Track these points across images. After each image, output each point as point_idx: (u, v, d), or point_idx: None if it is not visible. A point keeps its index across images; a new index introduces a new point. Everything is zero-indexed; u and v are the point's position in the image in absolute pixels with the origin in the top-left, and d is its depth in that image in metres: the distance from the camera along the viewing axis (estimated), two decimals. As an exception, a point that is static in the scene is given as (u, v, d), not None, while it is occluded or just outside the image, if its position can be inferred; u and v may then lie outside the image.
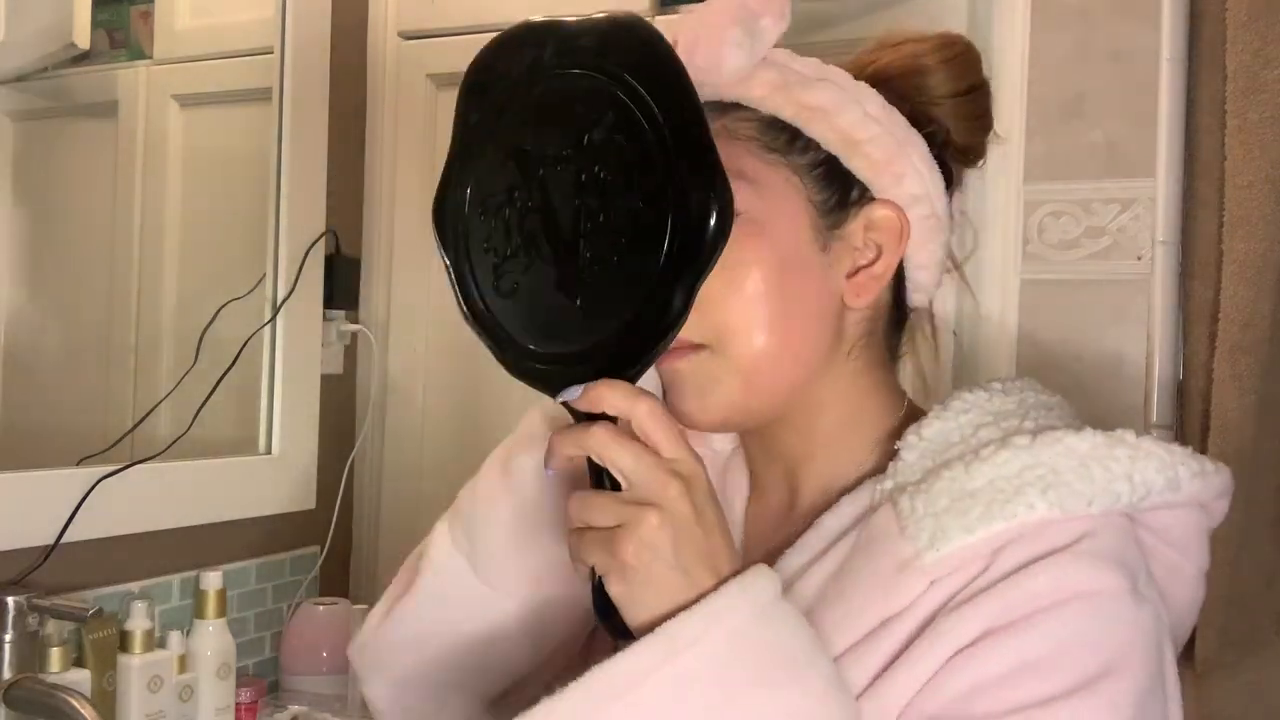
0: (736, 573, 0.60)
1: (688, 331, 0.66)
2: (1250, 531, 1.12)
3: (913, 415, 0.73)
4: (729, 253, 0.63)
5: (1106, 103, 1.20)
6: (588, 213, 0.62)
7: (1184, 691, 1.17)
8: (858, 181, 0.71)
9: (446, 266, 0.69)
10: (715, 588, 0.58)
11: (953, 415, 0.70)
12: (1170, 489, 0.64)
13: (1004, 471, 0.64)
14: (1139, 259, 1.18)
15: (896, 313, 0.76)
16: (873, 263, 0.71)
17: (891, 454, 0.70)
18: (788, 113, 0.70)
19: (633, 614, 0.59)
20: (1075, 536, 0.62)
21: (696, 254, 0.59)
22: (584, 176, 0.62)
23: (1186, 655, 1.13)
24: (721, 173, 0.59)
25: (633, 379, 0.61)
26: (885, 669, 0.62)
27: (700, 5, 0.70)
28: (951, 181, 0.76)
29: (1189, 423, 1.16)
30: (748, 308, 0.68)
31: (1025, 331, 1.23)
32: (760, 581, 0.60)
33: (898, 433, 0.71)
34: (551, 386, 0.65)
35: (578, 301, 0.63)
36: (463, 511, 0.79)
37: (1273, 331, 1.10)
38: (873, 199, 0.72)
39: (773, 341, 0.68)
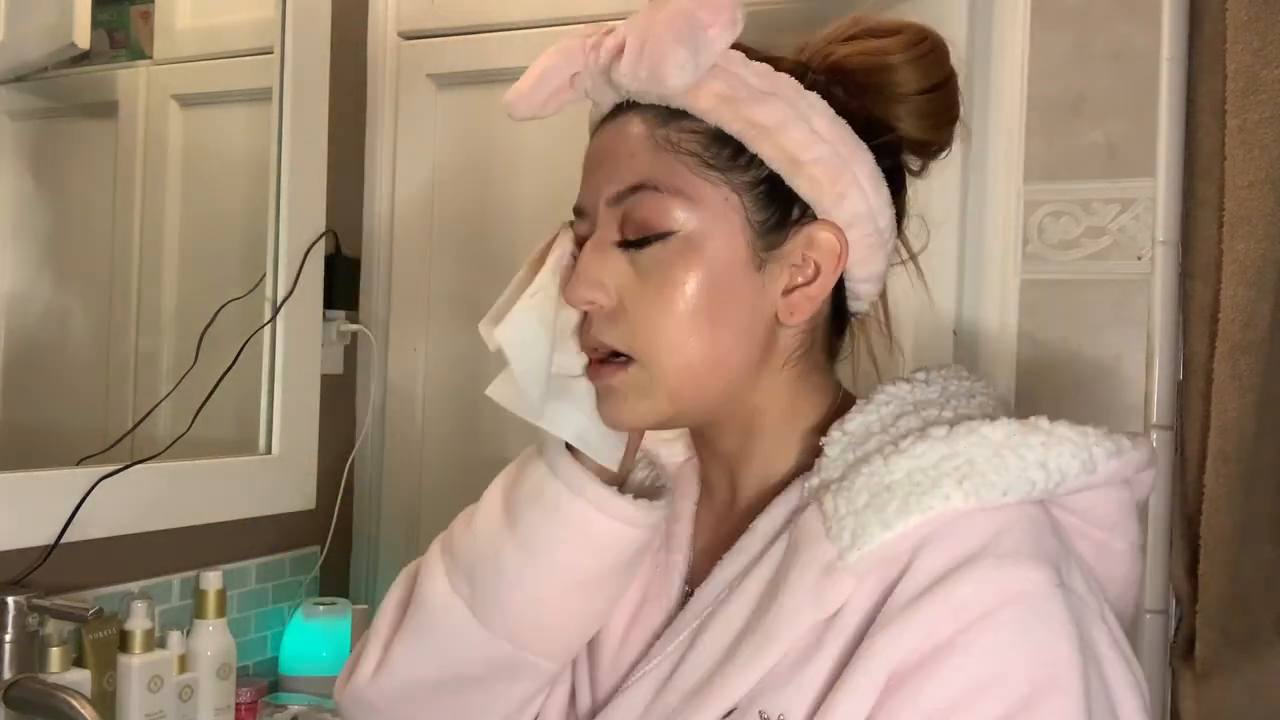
0: None
1: (615, 341, 0.70)
2: (1250, 531, 1.12)
3: (843, 409, 0.73)
4: (662, 270, 0.67)
5: (1106, 103, 1.20)
6: None
7: (1184, 691, 1.17)
8: (799, 200, 0.70)
9: None
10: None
11: (875, 407, 0.71)
12: (1086, 471, 0.64)
13: (921, 463, 0.64)
14: (1139, 259, 1.18)
15: (837, 320, 0.76)
16: (809, 282, 0.71)
17: (817, 450, 0.71)
18: (734, 128, 0.69)
19: None
20: (991, 533, 0.61)
21: None
22: None
23: (1186, 655, 1.13)
24: None
25: None
26: (826, 693, 0.62)
27: (651, 6, 0.69)
28: (904, 186, 0.76)
29: (1189, 423, 1.16)
30: (676, 325, 0.69)
31: (1025, 331, 1.23)
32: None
33: (825, 428, 0.72)
34: None
35: None
36: (461, 556, 0.78)
37: (1273, 331, 1.10)
38: (813, 219, 0.71)
39: (699, 359, 0.69)
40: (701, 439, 0.79)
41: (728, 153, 0.70)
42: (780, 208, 0.70)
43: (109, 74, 1.38)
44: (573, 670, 0.79)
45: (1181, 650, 1.14)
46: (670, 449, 0.84)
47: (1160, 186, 1.17)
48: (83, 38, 1.27)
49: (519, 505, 0.75)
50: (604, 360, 0.71)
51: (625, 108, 0.73)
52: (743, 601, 0.68)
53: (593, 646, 0.78)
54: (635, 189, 0.70)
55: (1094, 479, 0.65)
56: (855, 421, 0.70)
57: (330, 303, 1.50)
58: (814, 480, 0.69)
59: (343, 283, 1.53)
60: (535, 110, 0.74)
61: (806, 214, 0.71)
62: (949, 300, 1.25)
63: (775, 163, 0.69)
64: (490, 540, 0.75)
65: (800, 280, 0.71)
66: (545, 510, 0.72)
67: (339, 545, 1.54)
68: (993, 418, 0.66)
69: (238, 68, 1.47)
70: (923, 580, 0.61)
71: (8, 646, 1.00)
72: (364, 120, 1.62)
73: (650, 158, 0.70)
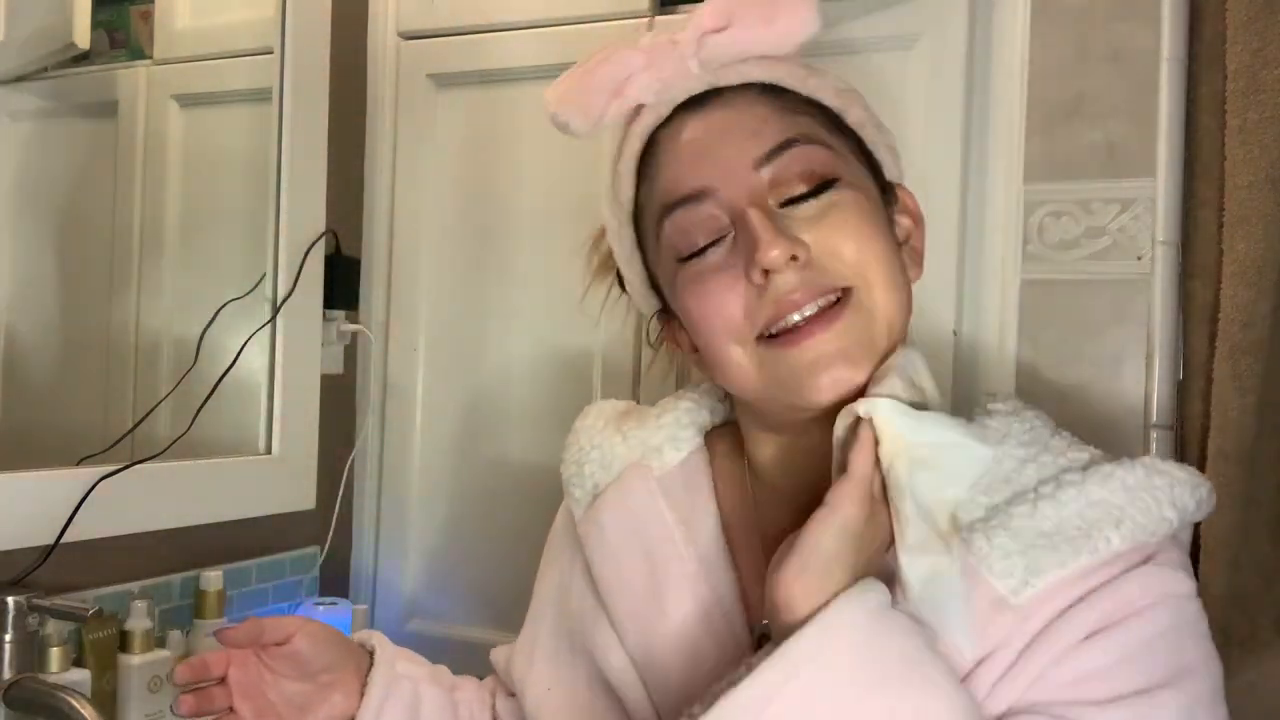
0: (845, 587, 0.61)
1: (834, 277, 0.68)
2: (1250, 531, 1.12)
3: None
4: (841, 211, 0.68)
5: (1106, 103, 1.20)
6: None
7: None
8: (878, 165, 0.75)
9: None
10: (827, 603, 0.60)
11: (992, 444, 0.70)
12: (1198, 509, 0.69)
13: (1067, 512, 0.66)
14: (1139, 259, 1.18)
15: None
16: (909, 239, 0.75)
17: None
18: (829, 98, 0.73)
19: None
20: (1147, 556, 0.66)
21: None
22: None
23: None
24: None
25: None
26: (988, 695, 0.64)
27: None
28: None
29: (1189, 423, 1.16)
30: (879, 253, 0.69)
31: (1025, 331, 1.23)
32: (870, 591, 0.61)
33: None
34: None
35: None
36: None
37: (1273, 331, 1.10)
38: (895, 184, 0.75)
39: (898, 290, 0.70)
40: (786, 437, 0.76)
41: (831, 120, 0.73)
42: (876, 171, 0.75)
43: (109, 74, 1.38)
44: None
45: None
46: (661, 457, 0.81)
47: (1160, 186, 1.17)
48: (83, 38, 1.27)
49: None
50: (819, 317, 0.68)
51: (707, 98, 0.72)
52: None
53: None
54: (787, 144, 0.70)
55: (1198, 515, 0.69)
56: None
57: (330, 303, 1.50)
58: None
59: (343, 283, 1.53)
60: (595, 125, 0.74)
61: (884, 178, 0.75)
62: (949, 300, 1.25)
63: (862, 129, 0.74)
64: None
65: (903, 238, 0.74)
66: None
67: (339, 545, 1.54)
68: (1114, 460, 0.69)
69: (238, 68, 1.47)
70: (1086, 593, 0.65)
71: (8, 646, 1.00)
72: (364, 120, 1.62)
73: (785, 120, 0.71)
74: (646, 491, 0.80)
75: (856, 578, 0.62)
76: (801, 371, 0.68)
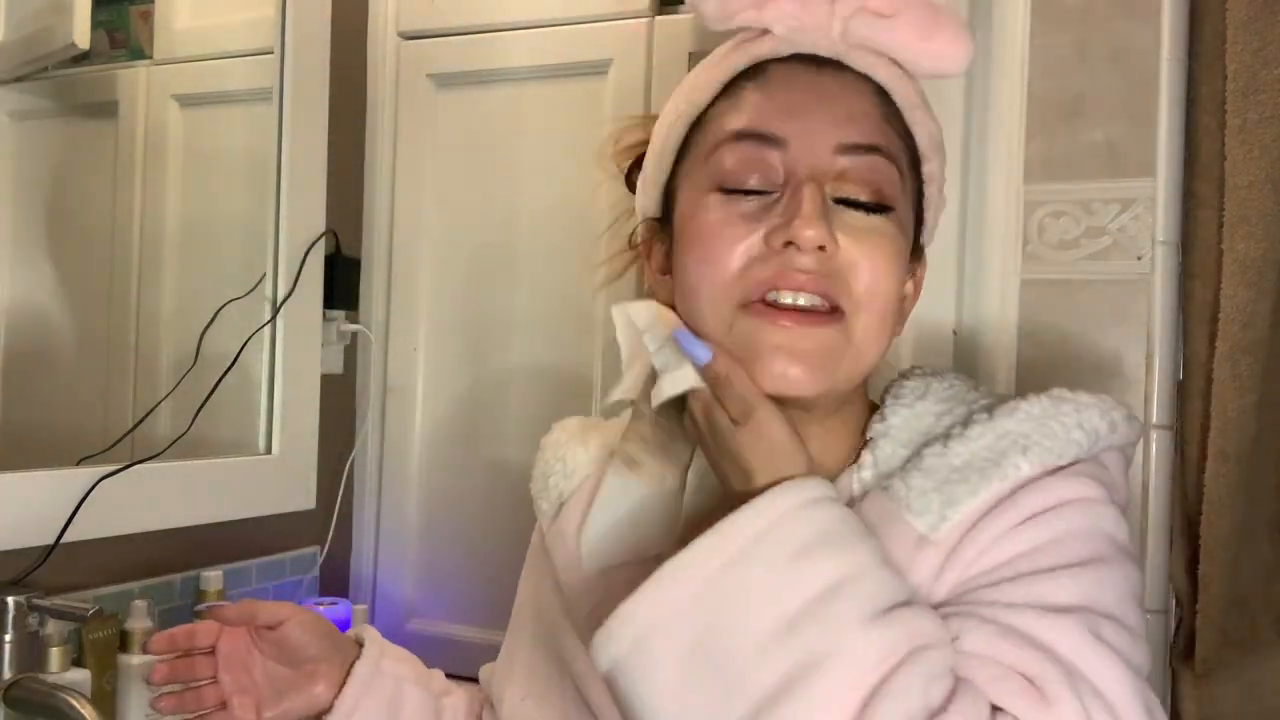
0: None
1: (836, 293, 0.68)
2: (1250, 531, 1.12)
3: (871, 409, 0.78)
4: (880, 240, 0.68)
5: (1106, 103, 1.20)
6: None
7: (1184, 691, 1.17)
8: (923, 223, 0.76)
9: None
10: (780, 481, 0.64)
11: (907, 405, 0.74)
12: (1110, 431, 0.70)
13: (978, 445, 0.69)
14: (1139, 259, 1.18)
15: None
16: (904, 299, 0.75)
17: (859, 445, 0.74)
18: (922, 139, 0.73)
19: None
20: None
21: None
22: None
23: (1186, 655, 1.13)
24: None
25: None
26: None
27: None
28: None
29: (1189, 423, 1.16)
30: (887, 297, 0.69)
31: (1025, 331, 1.23)
32: (813, 480, 0.64)
33: (861, 425, 0.76)
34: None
35: None
36: None
37: (1273, 331, 1.10)
38: (921, 245, 0.77)
39: (883, 335, 0.70)
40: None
41: (910, 156, 0.73)
42: (917, 227, 0.75)
43: (109, 74, 1.38)
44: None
45: (1181, 650, 1.14)
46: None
47: (1160, 186, 1.17)
48: (83, 38, 1.27)
49: None
50: (806, 312, 0.68)
51: (827, 63, 0.71)
52: None
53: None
54: (874, 149, 0.69)
55: (1114, 439, 0.71)
56: (900, 417, 0.73)
57: (330, 303, 1.50)
58: (865, 473, 0.72)
59: (343, 283, 1.53)
60: (723, 21, 0.71)
61: (917, 239, 0.76)
62: (949, 300, 1.25)
63: (930, 184, 0.74)
64: None
65: (904, 293, 0.75)
66: None
67: (339, 545, 1.54)
68: (1021, 396, 0.71)
69: (238, 68, 1.47)
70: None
71: (8, 646, 1.00)
72: (364, 120, 1.62)
73: (881, 126, 0.70)
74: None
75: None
76: (764, 349, 0.67)
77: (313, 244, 1.44)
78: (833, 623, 0.59)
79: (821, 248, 0.66)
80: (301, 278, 1.42)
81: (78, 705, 0.94)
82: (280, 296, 1.40)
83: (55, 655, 1.02)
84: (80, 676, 1.04)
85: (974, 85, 1.25)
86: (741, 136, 0.70)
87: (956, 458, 0.68)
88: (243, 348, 1.36)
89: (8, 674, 1.00)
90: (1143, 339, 1.18)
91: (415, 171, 1.61)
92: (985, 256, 1.25)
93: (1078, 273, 1.21)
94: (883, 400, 0.76)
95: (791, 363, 0.67)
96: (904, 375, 0.77)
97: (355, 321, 1.58)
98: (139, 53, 1.39)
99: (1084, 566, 0.65)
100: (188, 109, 1.42)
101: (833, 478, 0.72)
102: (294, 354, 1.42)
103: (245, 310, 1.39)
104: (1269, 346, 1.10)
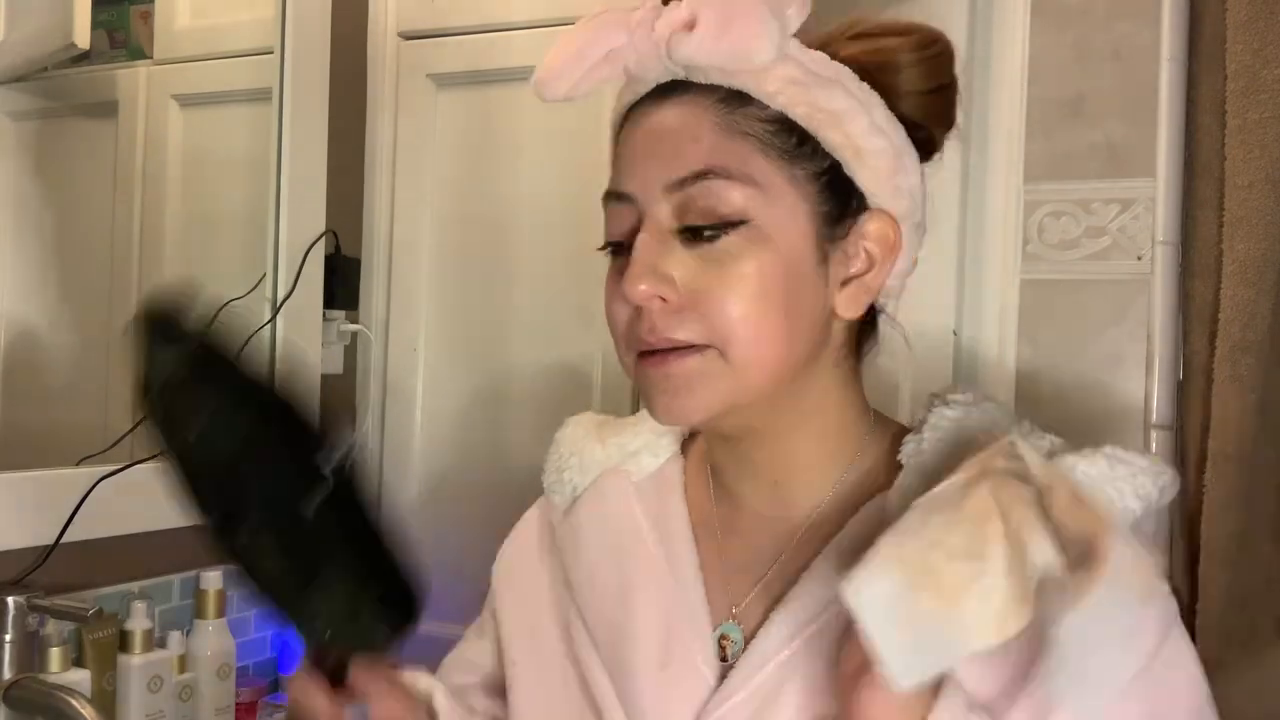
0: None
1: (689, 334, 0.66)
2: (1250, 531, 1.12)
3: (881, 423, 0.75)
4: (734, 260, 0.65)
5: (1106, 103, 1.20)
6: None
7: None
8: (858, 191, 0.70)
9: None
10: None
11: (931, 428, 0.71)
12: (1160, 497, 0.67)
13: None
14: (1139, 259, 1.18)
15: (866, 317, 0.75)
16: (864, 273, 0.71)
17: (890, 469, 0.71)
18: (800, 112, 0.69)
19: None
20: None
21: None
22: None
23: (1186, 655, 1.13)
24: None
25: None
26: None
27: None
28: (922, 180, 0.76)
29: (1189, 423, 1.16)
30: (755, 315, 0.66)
31: (1025, 331, 1.23)
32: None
33: (865, 442, 0.73)
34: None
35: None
36: None
37: (1273, 331, 1.10)
38: (868, 209, 0.71)
39: (774, 352, 0.67)
40: (732, 446, 0.76)
41: (793, 140, 0.69)
42: (841, 198, 0.70)
43: (109, 74, 1.38)
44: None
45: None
46: (638, 463, 0.81)
47: (1160, 186, 1.17)
48: (83, 38, 1.27)
49: None
50: (667, 352, 0.67)
51: (675, 88, 0.70)
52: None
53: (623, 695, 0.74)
54: (702, 175, 0.67)
55: (1161, 502, 0.68)
56: (929, 441, 0.70)
57: (330, 303, 1.50)
58: (893, 497, 0.69)
59: (343, 283, 1.53)
60: (569, 91, 0.71)
61: (863, 204, 0.71)
62: (949, 300, 1.25)
63: (840, 151, 0.69)
64: None
65: (854, 271, 0.70)
66: None
67: (339, 545, 1.54)
68: (1074, 450, 0.67)
69: (238, 68, 1.47)
70: None
71: (8, 646, 1.00)
72: (364, 120, 1.62)
73: (716, 142, 0.68)
74: (623, 495, 0.80)
75: None
76: (650, 392, 0.69)
77: (313, 244, 1.44)
78: None
79: (662, 299, 0.67)
80: (301, 278, 1.42)
81: (78, 705, 0.94)
82: (280, 296, 1.40)
83: (55, 655, 1.02)
84: (80, 676, 1.04)
85: (974, 85, 1.25)
86: (608, 197, 0.72)
87: None
88: (242, 347, 1.36)
89: (8, 674, 1.00)
90: (1143, 339, 1.18)
91: (415, 172, 1.61)
92: (985, 256, 1.25)
93: (1078, 273, 1.21)
94: (919, 424, 0.73)
95: (668, 397, 0.68)
96: (940, 400, 0.73)
97: (355, 321, 1.58)
98: (139, 53, 1.39)
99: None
100: (188, 109, 1.42)
101: (853, 499, 0.71)
102: (294, 354, 1.42)
103: (245, 310, 1.39)
104: (1269, 346, 1.10)
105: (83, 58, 1.29)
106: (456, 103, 1.59)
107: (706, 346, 0.67)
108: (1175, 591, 0.66)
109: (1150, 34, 1.17)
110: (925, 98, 0.73)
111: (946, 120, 0.75)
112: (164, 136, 1.41)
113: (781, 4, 0.66)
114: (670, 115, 0.70)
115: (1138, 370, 1.18)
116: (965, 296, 1.25)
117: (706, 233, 0.67)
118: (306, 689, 0.73)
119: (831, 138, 0.69)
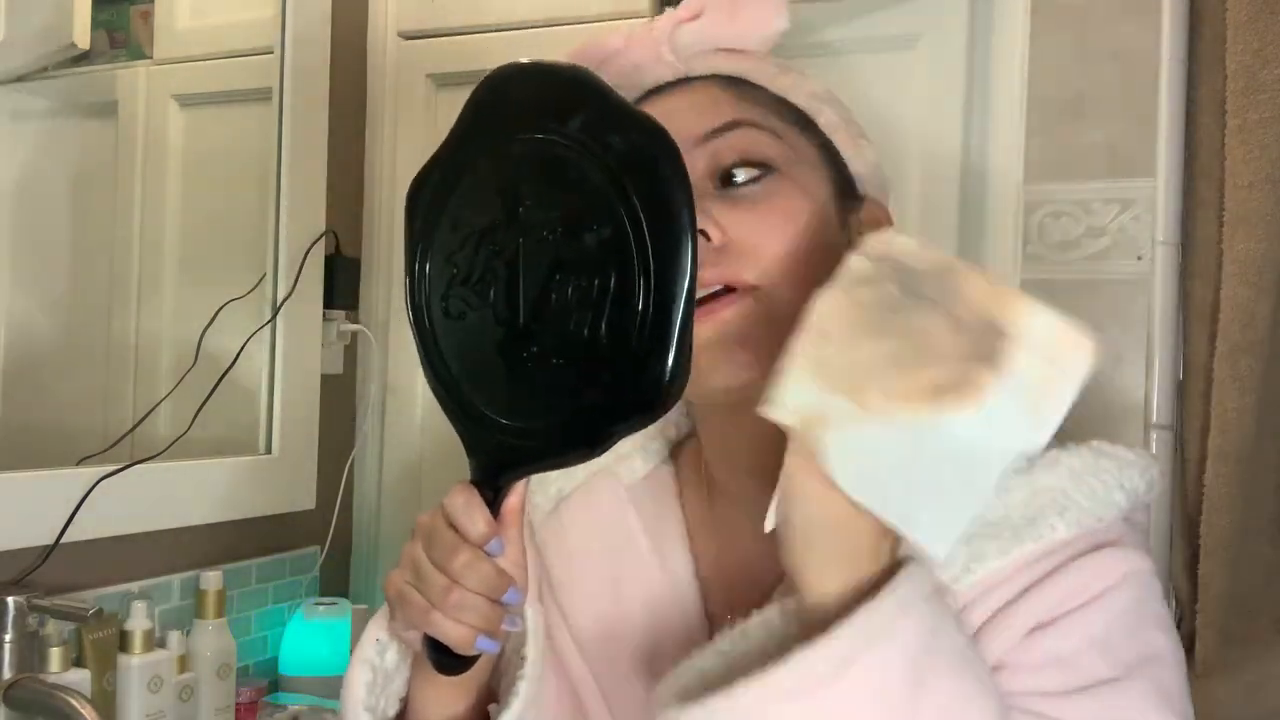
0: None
1: (733, 274, 0.65)
2: (1250, 531, 1.12)
3: None
4: (771, 200, 0.66)
5: (1106, 103, 1.20)
6: (550, 307, 0.60)
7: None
8: (850, 175, 0.72)
9: (408, 242, 0.68)
10: (887, 579, 0.55)
11: None
12: (1148, 490, 0.68)
13: (1013, 500, 0.65)
14: (1139, 259, 1.18)
15: None
16: None
17: None
18: (799, 98, 0.71)
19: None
20: (1096, 544, 0.64)
21: (630, 412, 0.58)
22: (559, 273, 0.59)
23: (1186, 655, 1.13)
24: (687, 353, 0.57)
25: (519, 476, 0.65)
26: None
27: None
28: None
29: (1189, 423, 1.16)
30: (796, 254, 0.66)
31: (1025, 331, 1.23)
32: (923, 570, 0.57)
33: None
34: (468, 436, 0.68)
35: (507, 378, 0.62)
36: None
37: (1273, 331, 1.10)
38: (866, 196, 0.73)
39: (807, 298, 0.62)
40: (734, 447, 0.74)
41: (796, 117, 0.71)
42: (845, 176, 0.72)
43: (109, 74, 1.38)
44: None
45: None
46: (630, 466, 0.81)
47: (1160, 186, 1.17)
48: (83, 38, 1.27)
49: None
50: (705, 301, 0.65)
51: (675, 84, 0.72)
52: None
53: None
54: (732, 125, 0.68)
55: (1149, 496, 0.68)
56: None
57: (330, 303, 1.50)
58: None
59: (343, 283, 1.53)
60: None
61: (859, 191, 0.73)
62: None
63: (834, 132, 0.71)
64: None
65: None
66: None
67: (339, 545, 1.54)
68: (1060, 446, 0.67)
69: (238, 68, 1.47)
70: (1035, 580, 0.63)
71: (8, 646, 1.00)
72: (364, 120, 1.62)
73: (739, 105, 0.70)
74: (615, 498, 0.79)
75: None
76: (702, 351, 0.64)
77: (313, 244, 1.44)
78: None
79: (703, 232, 0.65)
80: (301, 278, 1.42)
81: (78, 705, 0.94)
82: (280, 296, 1.40)
83: (55, 655, 1.02)
84: (80, 676, 1.04)
85: (974, 85, 1.25)
86: None
87: (991, 511, 0.64)
88: (243, 348, 1.36)
89: (8, 674, 1.00)
90: (1143, 339, 1.18)
91: (415, 171, 1.60)
92: (985, 257, 1.25)
93: (1078, 273, 1.21)
94: None
95: (710, 356, 0.65)
96: None
97: (355, 321, 1.58)
98: (139, 53, 1.39)
99: (1142, 673, 0.61)
100: (188, 109, 1.42)
101: None
102: (294, 354, 1.42)
103: (245, 310, 1.39)
104: (1269, 346, 1.10)
105: (83, 58, 1.29)
106: (456, 103, 1.57)
107: (746, 293, 0.65)
108: (1176, 591, 0.66)
109: (1150, 34, 1.17)
110: None
111: None
112: (164, 136, 1.41)
113: None
114: (680, 98, 0.71)
115: (1138, 370, 1.18)
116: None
117: (742, 176, 0.67)
118: (471, 502, 0.68)
119: (829, 121, 0.72)
